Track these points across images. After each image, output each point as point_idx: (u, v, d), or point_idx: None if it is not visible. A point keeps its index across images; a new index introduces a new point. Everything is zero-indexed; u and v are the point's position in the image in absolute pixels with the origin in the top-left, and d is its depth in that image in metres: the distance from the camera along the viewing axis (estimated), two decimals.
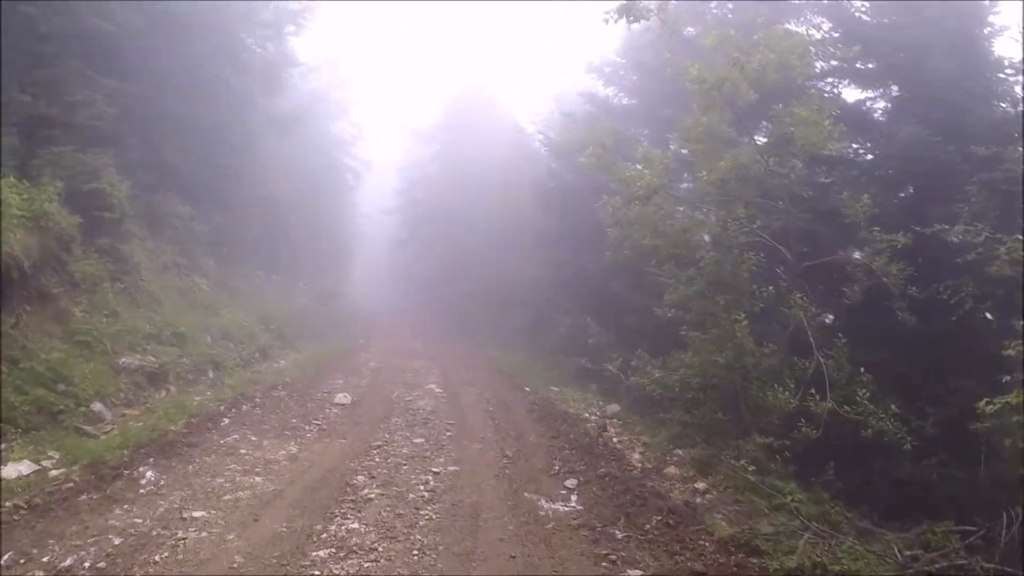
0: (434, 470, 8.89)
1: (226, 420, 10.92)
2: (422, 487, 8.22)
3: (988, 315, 10.62)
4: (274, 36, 23.10)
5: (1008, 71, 13.31)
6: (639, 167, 11.23)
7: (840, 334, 9.46)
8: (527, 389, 16.16)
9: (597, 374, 16.46)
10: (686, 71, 10.27)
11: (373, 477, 8.46)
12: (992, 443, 8.70)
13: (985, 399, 7.23)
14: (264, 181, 24.76)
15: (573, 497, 8.24)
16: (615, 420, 13.22)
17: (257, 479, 8.15)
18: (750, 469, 8.65)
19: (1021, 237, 8.78)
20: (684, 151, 13.26)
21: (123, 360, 11.68)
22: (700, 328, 10.53)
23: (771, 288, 10.02)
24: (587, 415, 13.59)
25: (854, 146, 13.95)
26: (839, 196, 10.68)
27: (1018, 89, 13.08)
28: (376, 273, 53.51)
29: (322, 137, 34.91)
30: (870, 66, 14.07)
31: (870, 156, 13.98)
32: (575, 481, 8.74)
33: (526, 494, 8.21)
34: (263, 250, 25.47)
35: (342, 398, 13.32)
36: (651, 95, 18.62)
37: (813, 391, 8.91)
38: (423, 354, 22.48)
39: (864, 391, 8.62)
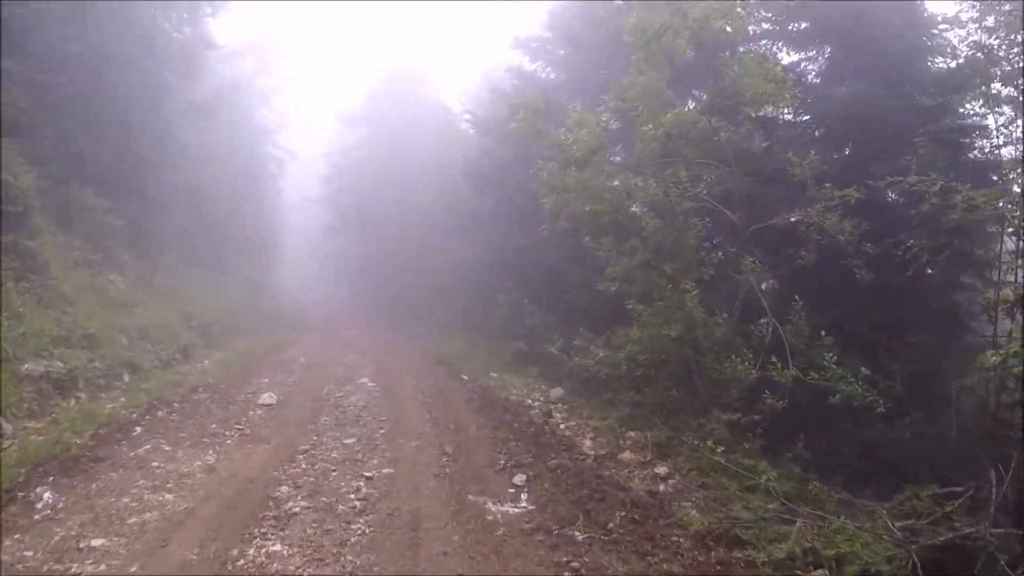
0: (367, 474, 7.97)
1: (138, 429, 9.83)
2: (353, 496, 7.31)
3: (931, 270, 10.14)
4: (190, 18, 21.94)
5: (942, 26, 13.19)
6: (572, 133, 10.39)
7: (797, 297, 8.82)
8: (465, 377, 15.32)
9: (538, 357, 15.78)
10: (622, 28, 9.55)
11: (299, 487, 7.53)
12: (961, 398, 8.22)
13: (990, 351, 6.68)
14: (184, 170, 23.49)
15: (523, 496, 7.43)
16: (560, 405, 12.48)
17: (168, 496, 7.16)
18: (714, 448, 7.97)
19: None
20: (616, 125, 12.53)
21: (26, 367, 10.51)
22: (646, 301, 9.79)
23: (720, 254, 9.34)
24: (530, 401, 12.82)
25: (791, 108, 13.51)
26: (784, 156, 10.05)
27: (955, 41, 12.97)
28: (307, 264, 51.91)
29: (245, 125, 33.92)
30: (804, 26, 13.66)
31: (806, 117, 13.55)
32: (524, 476, 7.93)
33: (471, 496, 7.36)
34: (185, 244, 24.36)
35: (268, 398, 12.28)
36: (580, 67, 17.94)
37: (774, 359, 8.26)
38: (356, 346, 21.55)
39: (831, 355, 7.99)
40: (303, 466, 8.29)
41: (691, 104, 10.64)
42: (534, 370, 15.20)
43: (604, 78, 13.81)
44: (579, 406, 12.22)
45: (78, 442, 8.74)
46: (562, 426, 10.73)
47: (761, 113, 9.88)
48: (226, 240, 29.79)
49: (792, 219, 9.92)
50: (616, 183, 9.99)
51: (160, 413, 10.82)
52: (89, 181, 17.08)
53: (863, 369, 7.87)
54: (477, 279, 21.56)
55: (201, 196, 25.97)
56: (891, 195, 10.97)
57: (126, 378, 12.77)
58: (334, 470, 8.15)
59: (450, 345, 19.70)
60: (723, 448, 8.30)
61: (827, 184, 9.26)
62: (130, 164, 19.07)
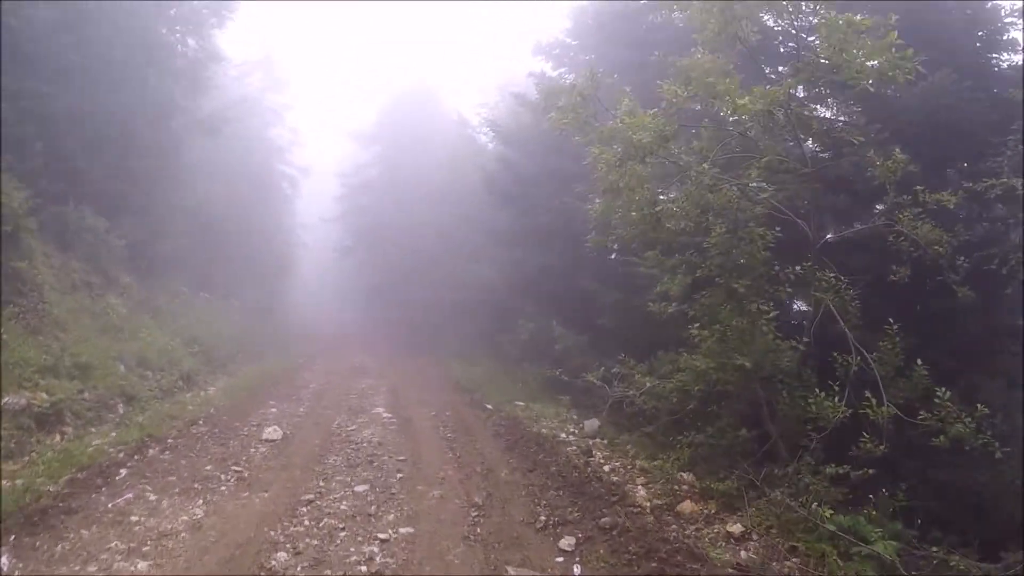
0: (381, 536, 6.67)
1: (123, 472, 8.63)
2: (364, 567, 6.02)
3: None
4: (195, 30, 20.92)
5: (1008, 19, 12.02)
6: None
7: (891, 320, 7.46)
8: (489, 407, 14.05)
9: (568, 385, 14.47)
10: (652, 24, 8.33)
11: (299, 553, 6.27)
12: None
13: None
14: (190, 189, 22.63)
15: (575, 569, 6.10)
16: (599, 441, 11.19)
17: (141, 565, 5.94)
18: (807, 504, 6.60)
19: None
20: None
21: (6, 400, 9.50)
22: (706, 324, 8.41)
23: (797, 268, 7.96)
24: (564, 436, 11.54)
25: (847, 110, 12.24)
26: (860, 156, 8.69)
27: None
28: (320, 285, 50.86)
29: (256, 143, 32.89)
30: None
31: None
32: (572, 540, 6.60)
33: (510, 570, 6.03)
34: (191, 265, 23.26)
35: (272, 432, 11.07)
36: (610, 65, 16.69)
37: (868, 394, 6.90)
38: (371, 371, 20.32)
39: (944, 390, 6.61)
40: (306, 523, 7.01)
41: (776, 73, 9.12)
42: (566, 399, 13.88)
43: (635, 80, 12.54)
44: (621, 442, 10.93)
45: (51, 489, 7.62)
46: (606, 468, 9.40)
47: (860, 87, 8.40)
48: (235, 261, 28.69)
49: (877, 227, 8.57)
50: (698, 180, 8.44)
51: (151, 451, 9.68)
52: (87, 200, 16.21)
53: (980, 407, 6.49)
54: (498, 301, 20.26)
55: (209, 216, 25.00)
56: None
57: (120, 410, 11.68)
58: (342, 528, 6.86)
59: (471, 371, 18.44)
60: (795, 497, 6.97)
61: (917, 187, 7.90)
62: (131, 182, 18.17)
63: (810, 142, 10.06)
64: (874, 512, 6.50)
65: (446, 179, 28.59)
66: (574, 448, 10.47)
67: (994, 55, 12.05)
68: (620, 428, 11.80)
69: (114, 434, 10.33)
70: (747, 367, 7.65)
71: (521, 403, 14.37)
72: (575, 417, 13.10)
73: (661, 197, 8.41)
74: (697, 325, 8.14)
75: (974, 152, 9.78)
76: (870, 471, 6.54)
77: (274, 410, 13.32)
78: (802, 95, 9.26)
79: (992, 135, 9.69)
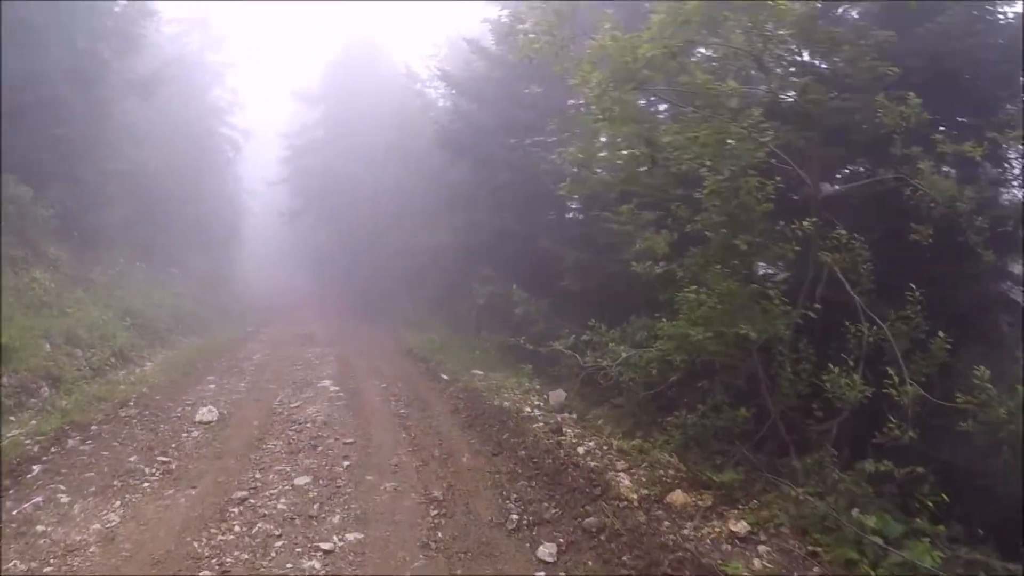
0: (323, 546, 5.58)
1: (36, 468, 7.54)
2: None
3: None
4: None
5: None
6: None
7: (913, 286, 6.53)
8: (445, 377, 13.04)
9: (530, 353, 13.52)
10: None
11: (225, 573, 5.17)
12: None
13: None
14: (124, 154, 20.76)
15: None
16: (568, 415, 10.21)
17: None
18: (844, 508, 5.62)
19: None
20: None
21: None
22: (699, 286, 7.35)
23: (804, 223, 6.93)
24: (529, 410, 10.53)
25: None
26: (867, 98, 7.67)
27: None
28: (268, 252, 49.12)
29: (194, 106, 31.15)
30: None
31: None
32: (553, 547, 5.58)
33: None
34: (128, 235, 21.76)
35: (207, 413, 9.97)
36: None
37: (891, 372, 5.97)
38: (320, 340, 19.24)
39: (983, 369, 5.69)
40: (236, 529, 5.93)
41: None
42: (527, 368, 12.84)
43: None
44: (592, 418, 9.97)
45: None
46: (580, 449, 8.39)
47: None
48: (177, 230, 27.15)
49: (877, 182, 7.59)
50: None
51: (71, 442, 8.58)
52: (11, 169, 14.78)
53: (1021, 387, 5.60)
54: (453, 265, 19.11)
55: (146, 183, 23.32)
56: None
57: (45, 393, 10.44)
58: (278, 536, 5.79)
59: (425, 338, 17.30)
60: (811, 490, 6.07)
61: (936, 135, 6.93)
62: (59, 148, 16.65)
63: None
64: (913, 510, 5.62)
65: (396, 137, 27.10)
66: (541, 425, 9.49)
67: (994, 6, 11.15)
68: (588, 401, 10.87)
69: (34, 422, 9.21)
70: (751, 337, 6.65)
71: (480, 372, 13.37)
72: (538, 388, 12.13)
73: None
74: (693, 288, 7.08)
75: (983, 103, 8.85)
76: (918, 469, 5.59)
77: (213, 386, 12.27)
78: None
79: (1000, 88, 8.78)
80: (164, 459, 7.98)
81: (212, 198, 32.87)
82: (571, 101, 15.73)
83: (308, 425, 9.45)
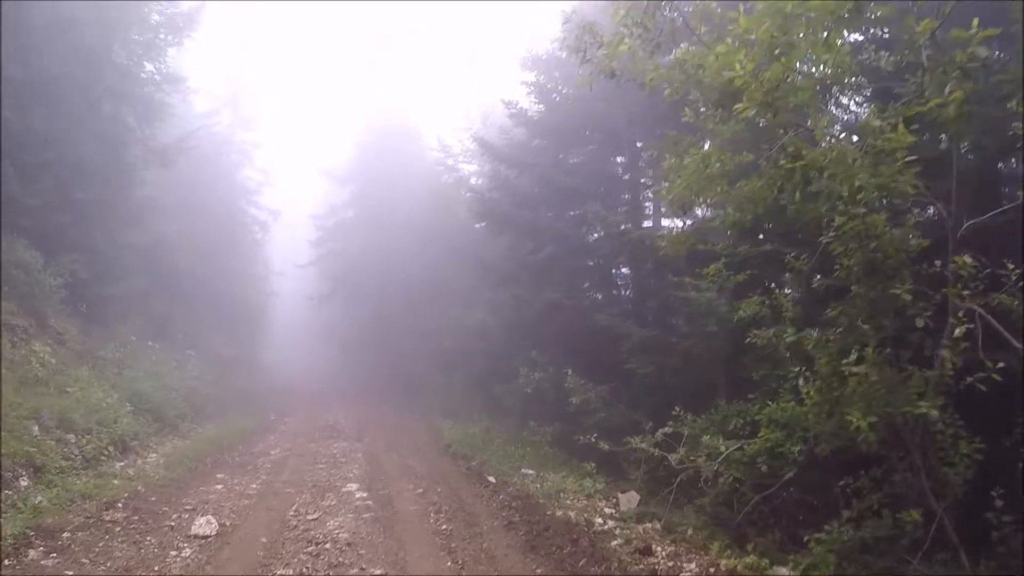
0: None
1: None
2: None
3: None
4: (150, 50, 18.39)
5: None
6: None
7: None
8: (492, 480, 11.08)
9: (588, 447, 11.66)
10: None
11: None
12: None
13: None
14: (145, 226, 19.68)
15: None
16: (649, 527, 8.21)
17: None
18: None
19: None
20: None
21: None
22: (834, 356, 5.49)
23: (949, 263, 5.10)
24: (600, 521, 8.58)
25: None
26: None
27: None
28: (294, 336, 47.70)
29: (224, 185, 30.49)
30: None
31: None
32: None
33: None
34: (144, 312, 20.35)
35: (205, 525, 8.19)
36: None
37: None
38: (346, 432, 17.38)
39: None
40: None
41: None
42: (589, 467, 10.85)
43: None
44: (680, 527, 7.98)
45: None
46: None
47: None
48: (198, 309, 25.80)
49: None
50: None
51: (32, 553, 6.94)
52: (21, 232, 13.84)
53: None
54: (494, 348, 17.25)
55: (166, 257, 22.17)
56: None
57: (23, 484, 8.88)
58: None
59: (464, 431, 15.33)
60: None
61: None
62: (74, 214, 15.65)
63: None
64: None
65: (429, 216, 25.96)
66: (622, 543, 7.52)
67: None
68: (667, 504, 8.93)
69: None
70: (932, 415, 4.77)
71: (531, 472, 11.47)
72: (603, 489, 10.18)
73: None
74: (853, 358, 5.21)
75: None
76: None
77: (220, 487, 10.54)
78: None
79: None
80: None
81: (238, 278, 31.79)
82: (619, 159, 14.31)
83: (327, 546, 7.58)
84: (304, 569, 6.85)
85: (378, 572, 6.70)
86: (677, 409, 8.45)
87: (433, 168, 27.07)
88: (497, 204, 15.49)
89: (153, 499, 9.38)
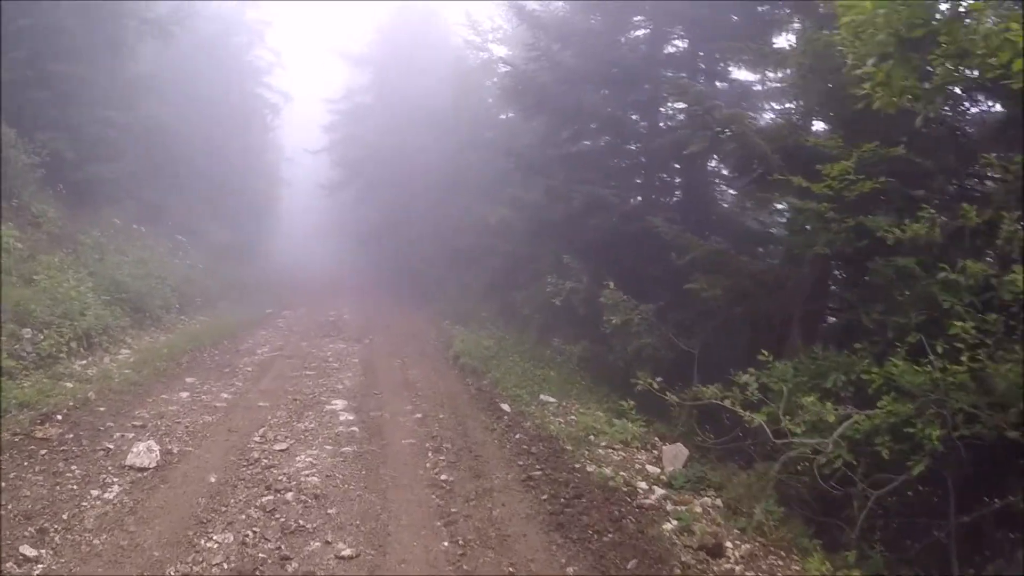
0: None
1: None
2: None
3: None
4: None
5: None
6: None
7: None
8: (506, 408, 9.14)
9: (617, 373, 9.79)
10: None
11: None
12: None
13: None
14: (137, 105, 17.58)
15: None
16: (710, 505, 6.29)
17: None
18: None
19: None
20: None
21: None
22: None
23: None
24: (646, 487, 6.65)
25: None
26: None
27: None
28: (304, 226, 45.75)
29: (232, 67, 28.31)
30: None
31: None
32: None
33: None
34: (137, 195, 18.53)
35: (144, 454, 6.43)
36: None
37: None
38: (347, 331, 15.67)
39: None
40: None
41: None
42: (627, 405, 8.82)
43: None
44: (745, 506, 6.05)
45: None
46: None
47: None
48: (197, 194, 23.95)
49: None
50: None
51: None
52: None
53: None
54: (515, 249, 15.12)
55: (162, 139, 20.20)
56: None
57: None
58: None
59: (477, 341, 13.23)
60: None
61: None
62: (54, 90, 13.89)
63: None
64: None
65: (452, 102, 23.35)
66: (678, 529, 5.58)
67: None
68: (717, 459, 7.12)
69: None
70: None
71: (552, 400, 9.59)
72: (641, 433, 8.26)
73: None
74: None
75: None
76: None
77: (185, 395, 8.84)
78: None
79: None
80: (31, 551, 4.59)
81: (244, 163, 29.70)
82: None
83: (288, 497, 5.73)
84: (249, 534, 5.02)
85: (347, 552, 4.80)
86: (765, 354, 6.36)
87: (458, 51, 24.40)
88: (534, 79, 12.91)
89: (102, 410, 7.77)
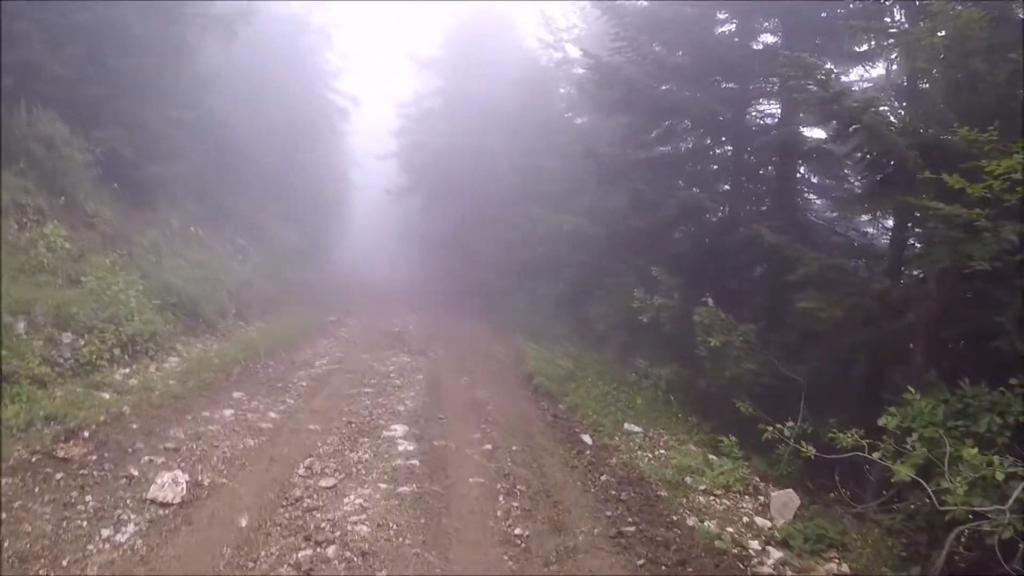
0: None
1: None
2: None
3: None
4: None
5: None
6: None
7: None
8: (587, 439, 8.05)
9: (711, 400, 8.61)
10: None
11: None
12: None
13: None
14: (200, 100, 16.95)
15: None
16: (833, 568, 5.15)
17: None
18: None
19: None
20: None
21: None
22: None
23: None
24: (758, 547, 5.49)
25: None
26: None
27: None
28: (371, 232, 45.34)
29: (300, 69, 27.53)
30: None
31: None
32: None
33: None
34: (198, 196, 17.77)
35: (169, 486, 5.63)
36: None
37: None
38: (411, 343, 14.66)
39: None
40: None
41: None
42: (728, 441, 7.62)
43: None
44: (871, 566, 4.85)
45: None
46: None
47: None
48: (262, 197, 23.39)
49: None
50: None
51: None
52: (46, 102, 11.48)
53: None
54: (592, 260, 13.97)
55: (229, 140, 19.68)
56: None
57: None
58: None
59: (551, 359, 12.12)
60: None
61: None
62: (113, 86, 13.10)
63: None
64: None
65: (523, 106, 22.46)
66: None
67: None
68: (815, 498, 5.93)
69: None
70: None
71: (638, 429, 8.49)
72: (744, 474, 7.06)
73: None
74: None
75: None
76: None
77: (228, 413, 7.99)
78: None
79: None
80: None
81: (311, 166, 29.20)
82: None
83: (330, 552, 4.78)
84: None
85: None
86: (911, 392, 5.15)
87: (530, 52, 23.59)
88: (618, 71, 11.65)
89: (134, 427, 6.99)
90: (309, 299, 20.49)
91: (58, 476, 5.56)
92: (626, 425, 8.60)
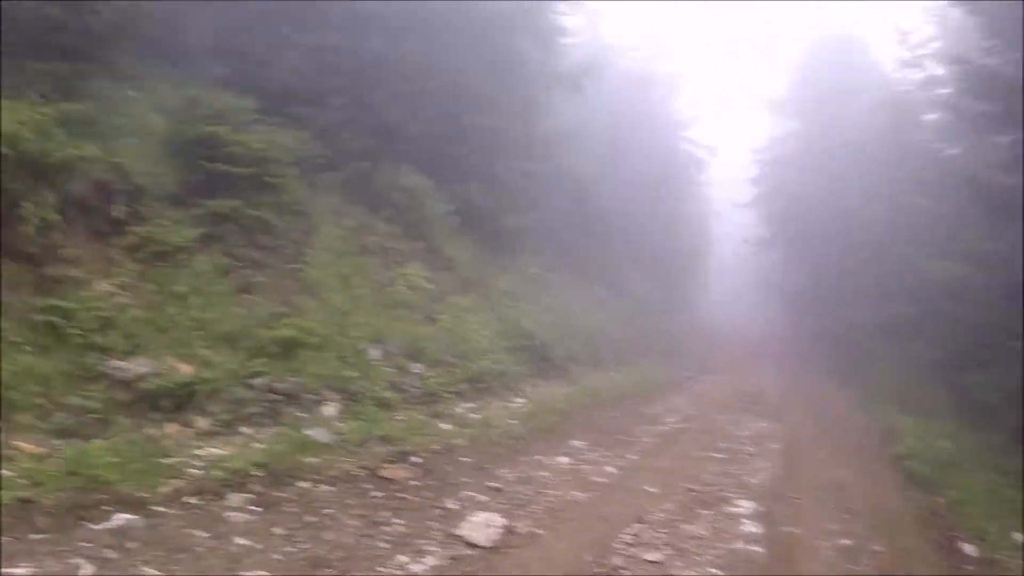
0: None
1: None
2: None
3: None
4: None
5: None
6: None
7: None
8: (970, 550, 6.69)
9: None
10: None
11: None
12: None
13: None
14: (552, 153, 18.48)
15: None
16: None
17: None
18: None
19: None
20: None
21: (115, 364, 6.52)
22: None
23: None
24: None
25: None
26: None
27: None
28: (731, 284, 44.57)
29: (650, 120, 29.16)
30: None
31: None
32: None
33: None
34: (553, 244, 19.53)
35: (481, 527, 5.62)
36: None
37: None
38: (767, 407, 14.03)
39: None
40: None
41: None
42: None
43: None
44: None
45: None
46: None
47: None
48: (622, 247, 24.67)
49: None
50: None
51: (233, 499, 5.60)
52: (405, 159, 13.47)
53: None
54: (974, 315, 12.08)
55: (584, 192, 21.11)
56: None
57: (326, 411, 7.91)
58: None
59: (926, 438, 10.58)
60: None
61: None
62: (471, 144, 14.95)
63: None
64: None
65: (884, 134, 20.73)
66: None
67: None
68: None
69: (224, 451, 6.38)
70: None
71: None
72: None
73: None
74: None
75: None
76: None
77: (563, 461, 8.14)
78: None
79: None
80: None
81: (668, 217, 30.25)
82: None
83: None
84: None
85: None
86: None
87: (886, 77, 22.22)
88: (994, 76, 9.88)
89: (465, 460, 7.51)
90: (665, 352, 20.69)
91: (376, 494, 6.05)
92: (1015, 535, 7.11)
